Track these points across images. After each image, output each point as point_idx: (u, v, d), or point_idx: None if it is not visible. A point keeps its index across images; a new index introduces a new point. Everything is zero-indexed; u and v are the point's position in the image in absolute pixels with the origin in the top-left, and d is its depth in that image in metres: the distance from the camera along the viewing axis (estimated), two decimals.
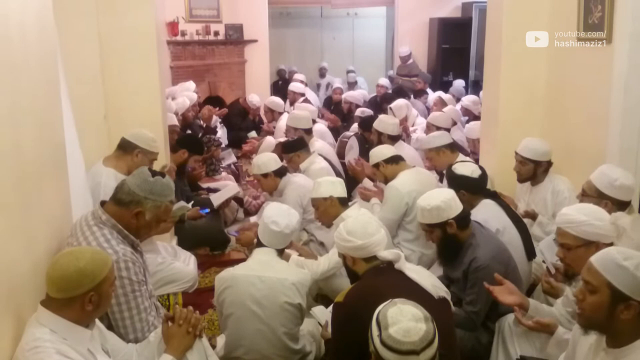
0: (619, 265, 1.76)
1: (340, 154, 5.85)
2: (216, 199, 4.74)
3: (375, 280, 2.38)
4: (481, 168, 3.44)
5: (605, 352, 1.85)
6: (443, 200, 2.82)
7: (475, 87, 9.45)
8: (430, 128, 5.69)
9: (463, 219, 2.85)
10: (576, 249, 2.35)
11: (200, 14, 8.68)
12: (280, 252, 2.89)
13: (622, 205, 2.94)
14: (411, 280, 2.31)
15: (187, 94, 6.70)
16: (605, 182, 2.99)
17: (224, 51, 9.14)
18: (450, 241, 2.86)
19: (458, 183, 3.38)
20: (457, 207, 2.85)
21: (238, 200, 5.29)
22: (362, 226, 2.49)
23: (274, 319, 2.67)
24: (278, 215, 2.86)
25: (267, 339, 2.68)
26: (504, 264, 2.83)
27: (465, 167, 3.40)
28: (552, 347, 2.38)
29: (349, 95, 7.93)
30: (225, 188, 5.10)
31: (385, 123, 5.08)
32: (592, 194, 3.03)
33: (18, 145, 2.07)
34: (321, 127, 6.50)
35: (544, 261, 2.96)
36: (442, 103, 6.47)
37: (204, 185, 5.28)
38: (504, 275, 2.79)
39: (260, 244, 2.88)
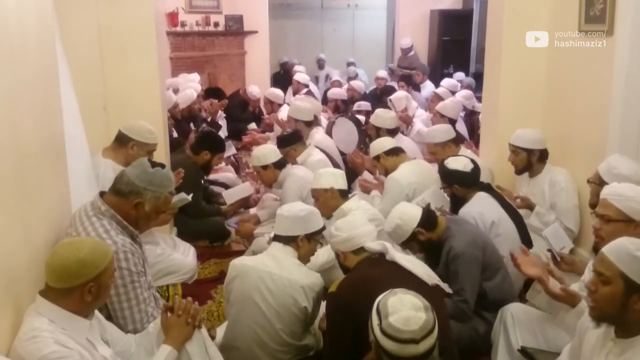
0: (633, 255, 1.75)
1: (328, 134, 5.79)
2: (229, 197, 4.71)
3: (368, 270, 2.43)
4: (473, 162, 3.43)
5: (614, 342, 1.85)
6: (399, 217, 2.88)
7: (476, 79, 9.41)
8: (436, 116, 5.66)
9: (427, 221, 2.89)
10: (616, 222, 2.33)
11: (200, 5, 8.65)
12: (291, 241, 2.77)
13: None
14: (404, 268, 2.36)
15: (193, 85, 6.67)
16: (606, 170, 3.01)
17: (223, 42, 9.12)
18: (429, 246, 2.92)
19: (451, 178, 3.40)
20: (416, 215, 2.88)
21: None
22: (348, 221, 2.65)
23: (276, 317, 2.65)
24: (292, 205, 2.92)
25: (266, 332, 2.67)
26: (480, 249, 2.87)
27: (457, 162, 3.41)
28: (571, 317, 2.35)
29: (332, 93, 7.77)
30: (239, 187, 5.04)
31: (382, 117, 5.04)
32: (594, 181, 3.05)
33: (16, 135, 2.06)
34: (322, 119, 6.47)
35: (549, 249, 2.95)
36: (438, 99, 6.44)
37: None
38: (483, 260, 2.85)
39: (275, 238, 2.84)
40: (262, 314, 2.65)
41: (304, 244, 2.77)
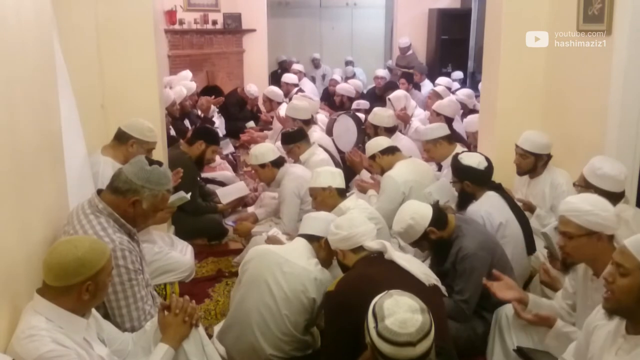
0: None
1: (329, 131, 5.82)
2: (224, 196, 4.71)
3: (366, 269, 2.44)
4: (487, 160, 3.40)
5: (624, 338, 1.86)
6: (411, 217, 2.86)
7: (473, 78, 9.43)
8: (433, 115, 5.67)
9: (439, 220, 2.88)
10: (578, 237, 2.32)
11: (198, 3, 8.63)
12: (314, 240, 2.86)
13: (610, 197, 2.91)
14: (402, 268, 2.37)
15: (186, 83, 6.66)
16: (590, 171, 3.00)
17: (222, 40, 9.10)
18: (439, 244, 2.91)
19: (463, 173, 3.36)
20: (427, 214, 2.86)
21: None
22: (348, 219, 2.68)
23: (284, 302, 2.69)
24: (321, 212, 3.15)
25: (271, 315, 2.70)
26: (490, 252, 2.86)
27: (471, 158, 3.38)
28: (550, 339, 2.39)
29: (340, 88, 7.85)
30: (233, 186, 5.03)
31: (380, 116, 5.04)
32: (580, 183, 3.05)
33: (14, 133, 2.05)
34: (322, 117, 6.46)
35: (546, 247, 2.95)
36: (437, 97, 6.44)
37: (201, 174, 5.25)
38: (492, 263, 2.84)
39: (300, 236, 2.93)
40: (272, 296, 2.69)
41: (326, 248, 2.84)
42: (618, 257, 1.84)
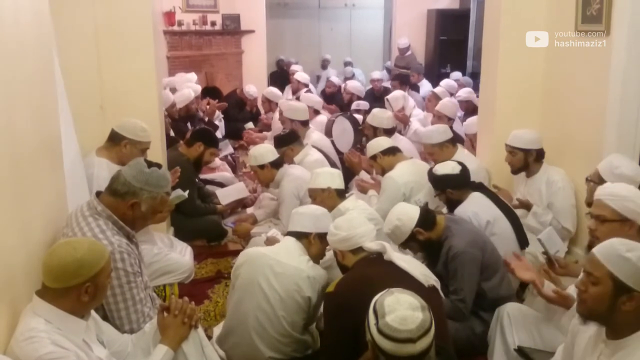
0: (622, 256, 1.75)
1: (328, 132, 5.83)
2: (224, 197, 4.71)
3: (365, 270, 2.45)
4: (460, 163, 3.45)
5: (605, 343, 1.85)
6: (398, 218, 2.91)
7: (472, 79, 9.41)
8: (438, 117, 5.67)
9: (426, 221, 2.91)
10: (611, 222, 2.34)
11: (197, 4, 8.64)
12: (303, 237, 2.85)
13: None
14: (401, 269, 2.37)
15: (191, 85, 6.65)
16: (607, 169, 3.00)
17: (220, 41, 9.10)
18: (429, 245, 2.93)
19: (442, 183, 3.42)
20: (414, 215, 2.90)
21: None
22: (348, 220, 2.68)
23: (279, 303, 2.68)
24: (309, 205, 3.12)
25: (268, 318, 2.69)
26: (480, 249, 2.88)
27: (445, 167, 3.44)
28: (567, 320, 2.37)
29: (351, 87, 7.87)
30: (233, 187, 5.02)
31: (379, 117, 5.02)
32: (593, 179, 3.05)
33: (13, 134, 2.05)
34: (324, 118, 6.46)
35: (544, 252, 2.95)
36: (436, 98, 6.42)
37: (200, 176, 5.25)
38: (483, 260, 2.86)
39: (289, 234, 2.92)
40: (266, 298, 2.68)
41: (316, 243, 2.84)
42: (587, 265, 1.84)
